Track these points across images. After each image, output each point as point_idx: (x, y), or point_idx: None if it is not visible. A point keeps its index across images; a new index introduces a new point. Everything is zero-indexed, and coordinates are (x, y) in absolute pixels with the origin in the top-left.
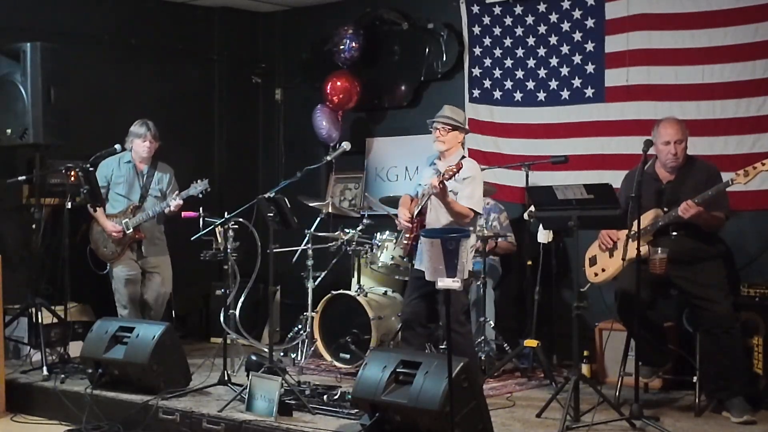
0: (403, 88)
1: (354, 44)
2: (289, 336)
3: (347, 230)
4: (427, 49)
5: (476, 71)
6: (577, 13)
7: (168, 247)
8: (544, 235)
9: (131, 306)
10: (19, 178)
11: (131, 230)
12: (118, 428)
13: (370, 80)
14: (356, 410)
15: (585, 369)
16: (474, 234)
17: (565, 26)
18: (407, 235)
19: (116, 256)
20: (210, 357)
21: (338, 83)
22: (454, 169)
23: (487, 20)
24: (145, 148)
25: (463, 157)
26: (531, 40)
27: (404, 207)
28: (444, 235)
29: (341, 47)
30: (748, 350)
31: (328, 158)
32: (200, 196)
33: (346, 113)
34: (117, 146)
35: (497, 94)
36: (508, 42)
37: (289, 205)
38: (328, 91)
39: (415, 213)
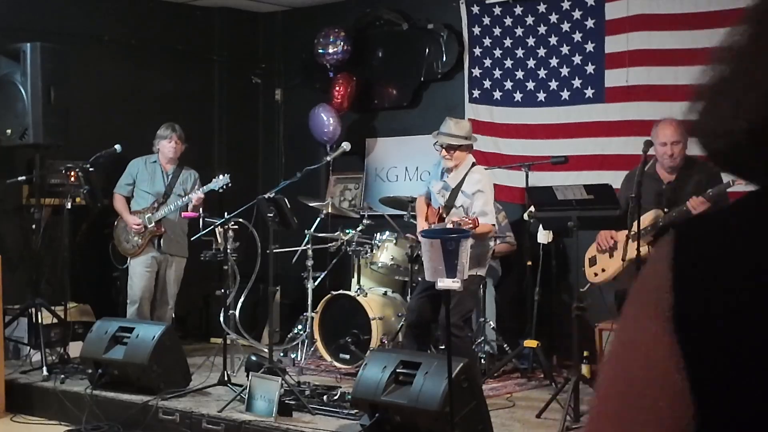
0: (403, 88)
1: (335, 47)
2: (289, 336)
3: (347, 230)
4: (427, 50)
5: (476, 72)
6: (577, 14)
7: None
8: (544, 236)
9: (141, 302)
10: (19, 178)
11: (152, 224)
12: (118, 428)
13: (371, 80)
14: (356, 411)
15: (585, 369)
16: (489, 245)
17: (565, 27)
18: None
19: (137, 251)
20: (210, 357)
21: (342, 83)
22: (472, 226)
23: (487, 21)
24: (170, 149)
25: (474, 164)
26: (531, 41)
27: (421, 216)
28: (444, 235)
29: (327, 50)
30: None
31: (328, 158)
32: (221, 190)
33: (346, 113)
34: (117, 146)
35: (497, 94)
36: (508, 42)
37: (288, 206)
38: (334, 91)
39: None
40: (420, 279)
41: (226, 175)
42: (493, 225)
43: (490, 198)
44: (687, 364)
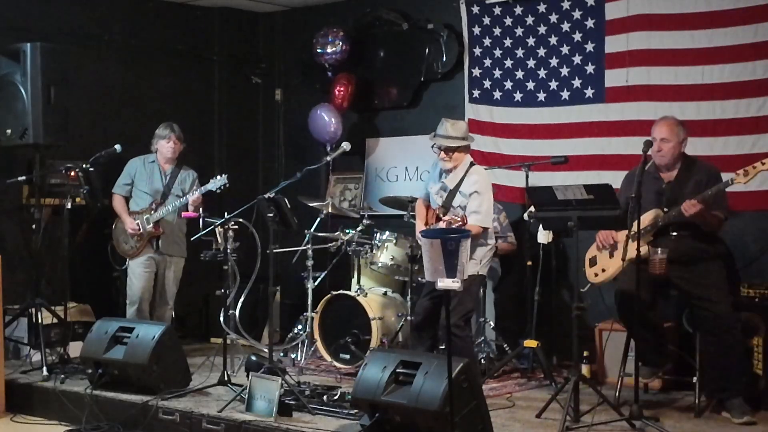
0: (403, 88)
1: (334, 47)
2: (289, 336)
3: (347, 230)
4: (427, 50)
5: (476, 72)
6: (577, 14)
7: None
8: (544, 236)
9: (141, 303)
10: (19, 178)
11: (150, 226)
12: (118, 428)
13: (371, 80)
14: (356, 410)
15: (585, 369)
16: (489, 243)
17: (565, 27)
18: None
19: (135, 252)
20: (210, 357)
21: (343, 83)
22: (461, 223)
23: (487, 21)
24: (169, 149)
25: (472, 164)
26: (531, 41)
27: (421, 219)
28: (444, 235)
29: (325, 50)
30: (748, 350)
31: (328, 158)
32: (218, 191)
33: (346, 113)
34: (117, 146)
35: (497, 94)
36: (508, 42)
37: (289, 206)
38: (335, 91)
39: None
40: (423, 280)
41: (223, 175)
42: (483, 227)
43: (486, 199)
44: None
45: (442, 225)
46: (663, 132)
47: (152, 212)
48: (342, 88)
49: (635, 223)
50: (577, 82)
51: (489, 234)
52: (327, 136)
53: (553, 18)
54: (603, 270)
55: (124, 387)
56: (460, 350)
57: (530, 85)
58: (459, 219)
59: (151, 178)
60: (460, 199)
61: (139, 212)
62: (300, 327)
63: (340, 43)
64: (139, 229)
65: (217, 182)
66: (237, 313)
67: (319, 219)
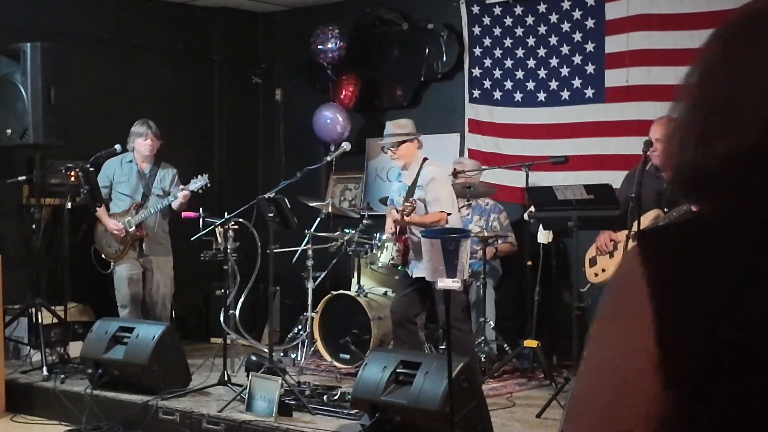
0: (403, 88)
1: (330, 45)
2: (289, 336)
3: (347, 230)
4: (427, 49)
5: (476, 71)
6: (577, 14)
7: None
8: (544, 236)
9: (132, 306)
10: (19, 178)
11: (133, 228)
12: (118, 428)
13: (371, 80)
14: (356, 410)
15: None
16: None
17: (565, 27)
18: (397, 249)
19: (119, 255)
20: (210, 357)
21: (346, 83)
22: (410, 207)
23: (487, 20)
24: (146, 146)
25: (425, 160)
26: (531, 41)
27: (390, 218)
28: (444, 235)
29: (323, 47)
30: None
31: (328, 158)
32: (200, 191)
33: (348, 113)
34: (117, 146)
35: (497, 94)
36: (508, 42)
37: (289, 206)
38: (341, 90)
39: (396, 231)
40: (399, 277)
41: (204, 175)
42: (445, 213)
43: (444, 185)
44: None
45: (395, 215)
46: (658, 132)
47: (134, 214)
48: (350, 88)
49: (635, 223)
50: (577, 82)
51: (458, 222)
52: (334, 135)
53: (553, 18)
54: (603, 270)
55: (124, 387)
56: (461, 343)
57: (530, 85)
58: (409, 203)
59: (130, 178)
60: (419, 193)
61: (120, 214)
62: (300, 327)
63: (336, 40)
64: (124, 230)
65: (198, 182)
66: (237, 313)
67: (319, 219)
